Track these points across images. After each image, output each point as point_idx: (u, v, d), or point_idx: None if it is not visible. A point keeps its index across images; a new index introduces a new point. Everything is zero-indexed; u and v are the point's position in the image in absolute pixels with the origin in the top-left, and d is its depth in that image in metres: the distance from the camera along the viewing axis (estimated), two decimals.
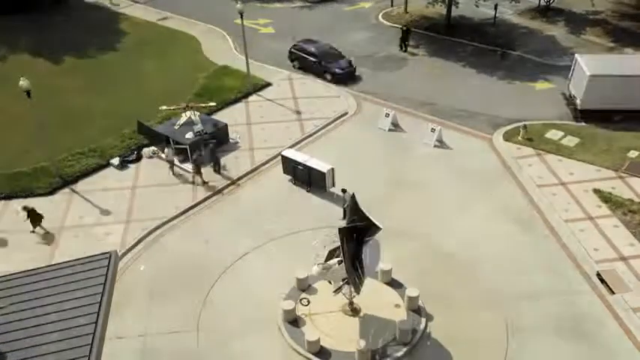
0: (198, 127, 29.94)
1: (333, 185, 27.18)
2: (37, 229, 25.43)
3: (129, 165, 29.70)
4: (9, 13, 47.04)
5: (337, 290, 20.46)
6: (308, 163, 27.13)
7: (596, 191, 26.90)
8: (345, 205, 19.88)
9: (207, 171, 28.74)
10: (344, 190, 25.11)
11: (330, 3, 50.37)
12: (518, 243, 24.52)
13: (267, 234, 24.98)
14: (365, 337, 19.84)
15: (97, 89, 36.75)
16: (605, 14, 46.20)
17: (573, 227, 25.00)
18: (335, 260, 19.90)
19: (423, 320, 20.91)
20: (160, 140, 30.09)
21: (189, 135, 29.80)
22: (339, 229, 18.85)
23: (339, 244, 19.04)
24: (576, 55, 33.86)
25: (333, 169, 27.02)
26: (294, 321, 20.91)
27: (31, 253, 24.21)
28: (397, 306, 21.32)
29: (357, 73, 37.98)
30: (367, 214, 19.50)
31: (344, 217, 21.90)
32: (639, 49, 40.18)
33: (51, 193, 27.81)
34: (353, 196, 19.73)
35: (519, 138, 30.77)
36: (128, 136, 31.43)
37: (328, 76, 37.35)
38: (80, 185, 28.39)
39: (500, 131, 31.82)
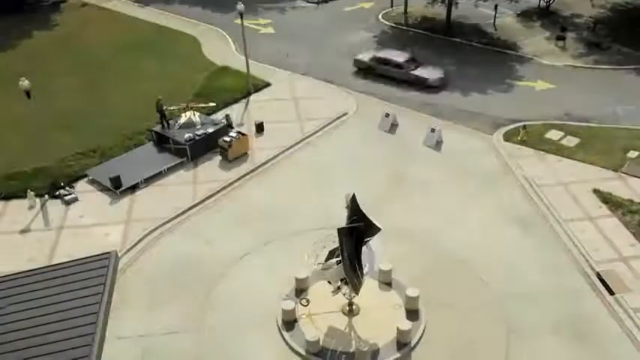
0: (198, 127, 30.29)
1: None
2: None
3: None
4: (9, 12, 47.14)
5: (336, 291, 20.41)
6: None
7: (596, 191, 26.88)
8: (346, 206, 19.85)
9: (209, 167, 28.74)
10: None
11: (330, 3, 50.40)
12: (518, 243, 24.49)
13: (267, 234, 24.96)
14: (364, 337, 19.82)
15: (97, 89, 36.75)
16: (604, 15, 46.21)
17: (573, 227, 24.99)
18: (334, 260, 19.88)
19: (423, 321, 20.95)
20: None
21: (188, 135, 29.97)
22: (338, 229, 18.81)
23: (338, 244, 19.02)
24: None
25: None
26: (293, 321, 20.90)
27: (31, 253, 24.23)
28: (397, 306, 21.33)
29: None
30: (367, 214, 19.47)
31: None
32: (637, 49, 40.17)
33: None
34: (353, 197, 19.70)
35: (519, 138, 30.77)
36: (128, 137, 31.47)
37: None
38: (80, 185, 28.38)
39: (500, 131, 31.82)
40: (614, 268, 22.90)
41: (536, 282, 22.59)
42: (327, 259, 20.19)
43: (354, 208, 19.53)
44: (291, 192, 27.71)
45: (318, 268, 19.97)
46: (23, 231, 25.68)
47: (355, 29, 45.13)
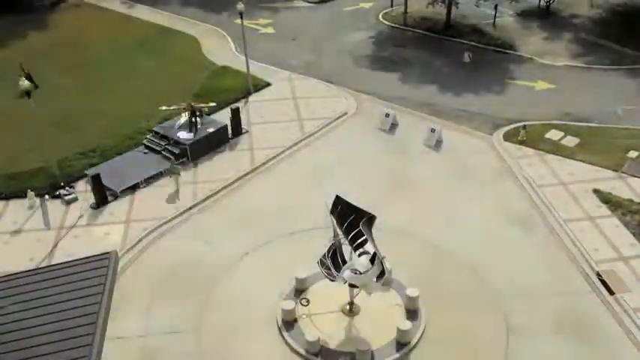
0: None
1: None
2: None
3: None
4: (9, 12, 47.13)
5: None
6: None
7: (596, 191, 26.88)
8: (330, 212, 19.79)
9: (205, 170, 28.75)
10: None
11: (330, 3, 50.39)
12: (518, 243, 24.49)
13: (268, 234, 24.96)
14: (364, 337, 19.82)
15: (96, 89, 36.74)
16: (605, 15, 46.17)
17: (573, 227, 24.99)
18: (365, 262, 19.13)
19: (423, 321, 20.94)
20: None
21: (184, 135, 30.06)
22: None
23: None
24: None
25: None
26: (293, 321, 20.90)
27: (31, 253, 24.23)
28: (397, 306, 21.31)
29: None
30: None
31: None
32: (637, 49, 40.12)
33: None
34: (338, 198, 19.58)
35: (519, 138, 30.76)
36: (128, 137, 31.46)
37: None
38: (80, 185, 28.37)
39: (500, 131, 31.80)
40: (614, 268, 22.91)
41: (536, 282, 22.58)
42: (330, 258, 19.98)
43: (343, 207, 19.49)
44: (291, 192, 27.69)
45: (350, 273, 19.01)
46: (23, 231, 25.69)
47: (355, 29, 45.11)
